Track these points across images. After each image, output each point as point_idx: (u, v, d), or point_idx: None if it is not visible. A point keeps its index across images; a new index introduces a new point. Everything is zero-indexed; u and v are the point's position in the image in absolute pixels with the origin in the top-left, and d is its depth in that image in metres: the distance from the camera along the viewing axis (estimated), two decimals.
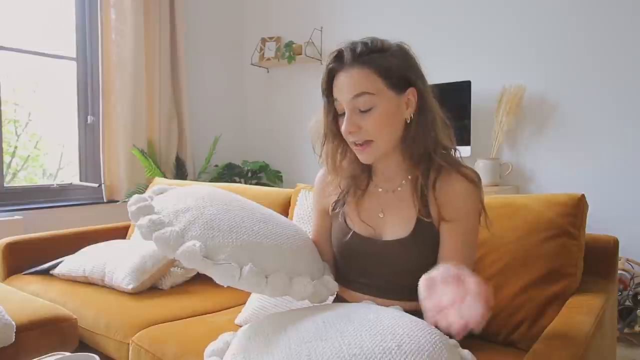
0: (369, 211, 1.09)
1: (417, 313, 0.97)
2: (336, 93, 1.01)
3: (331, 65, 1.01)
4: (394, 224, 1.05)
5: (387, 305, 1.01)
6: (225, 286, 0.94)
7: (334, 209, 1.14)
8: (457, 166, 1.03)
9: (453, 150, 1.06)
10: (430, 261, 1.05)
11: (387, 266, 1.05)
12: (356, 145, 1.01)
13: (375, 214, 1.09)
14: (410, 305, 1.04)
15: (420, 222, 1.03)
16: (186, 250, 0.92)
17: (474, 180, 1.01)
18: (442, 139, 1.03)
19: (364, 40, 1.00)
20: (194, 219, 0.98)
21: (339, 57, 1.00)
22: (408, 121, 1.02)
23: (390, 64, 0.98)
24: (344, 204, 1.12)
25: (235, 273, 0.92)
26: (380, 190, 1.10)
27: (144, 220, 0.97)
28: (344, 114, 1.01)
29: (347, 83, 0.98)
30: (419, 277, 1.04)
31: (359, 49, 0.98)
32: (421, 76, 1.03)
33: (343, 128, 0.99)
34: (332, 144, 1.06)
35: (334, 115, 1.04)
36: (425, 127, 1.01)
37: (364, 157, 1.03)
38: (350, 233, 1.09)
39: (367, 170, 1.11)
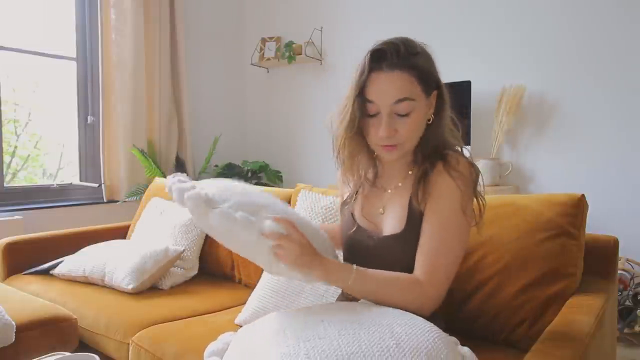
0: (371, 208, 1.12)
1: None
2: (373, 95, 0.98)
3: (372, 65, 0.98)
4: (391, 220, 1.07)
5: None
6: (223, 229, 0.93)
7: (344, 204, 1.18)
8: (449, 159, 1.02)
9: (460, 148, 1.07)
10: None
11: (385, 262, 1.06)
12: (384, 146, 1.01)
13: (376, 211, 1.11)
14: None
15: (412, 216, 1.03)
16: (193, 194, 0.93)
17: (456, 170, 1.00)
18: (449, 137, 1.06)
19: (402, 40, 0.98)
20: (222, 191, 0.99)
21: (380, 57, 0.97)
22: (430, 122, 1.04)
23: (426, 68, 0.98)
24: (354, 200, 1.15)
25: (230, 215, 0.91)
26: (382, 188, 1.13)
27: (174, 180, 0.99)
28: (374, 115, 1.00)
29: (389, 87, 0.96)
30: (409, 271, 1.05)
31: (402, 51, 0.96)
32: (439, 77, 1.04)
33: (381, 132, 0.98)
34: (354, 143, 1.05)
35: (362, 115, 1.01)
36: (440, 127, 1.04)
37: (390, 157, 1.04)
38: (355, 227, 1.11)
39: (375, 168, 1.14)
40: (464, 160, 1.02)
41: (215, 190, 0.97)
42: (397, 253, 1.04)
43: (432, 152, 1.05)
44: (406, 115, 0.97)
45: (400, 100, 0.96)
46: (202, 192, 0.93)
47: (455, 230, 0.99)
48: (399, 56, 0.96)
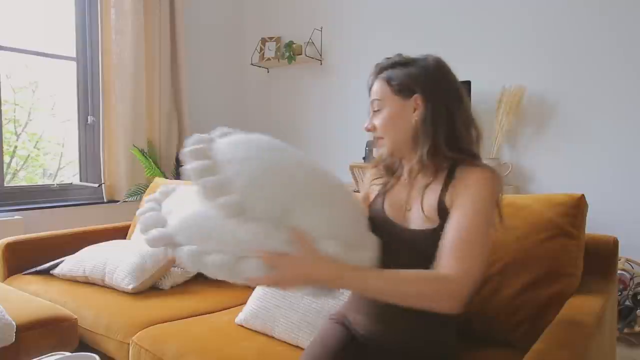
0: (397, 202, 1.15)
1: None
2: None
3: (371, 75, 1.19)
4: (416, 217, 1.09)
5: None
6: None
7: (376, 196, 1.23)
8: (472, 162, 1.06)
9: (471, 156, 1.08)
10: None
11: (416, 255, 1.05)
12: (374, 138, 1.18)
13: (403, 206, 1.14)
14: None
15: (442, 215, 1.04)
16: (152, 238, 0.94)
17: (487, 170, 1.04)
18: (452, 143, 1.06)
19: (391, 56, 1.16)
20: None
21: (375, 67, 1.19)
22: (417, 124, 1.09)
23: (396, 75, 1.12)
24: (385, 192, 1.20)
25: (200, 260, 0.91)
26: (407, 183, 1.16)
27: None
28: None
29: (373, 90, 1.17)
30: (430, 267, 1.04)
31: (382, 64, 1.16)
32: (434, 86, 1.09)
33: (365, 125, 1.18)
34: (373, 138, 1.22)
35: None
36: (427, 132, 1.07)
37: (378, 150, 1.19)
38: (380, 210, 1.16)
39: (401, 164, 1.20)
40: (493, 170, 1.05)
41: (177, 223, 0.92)
42: (427, 248, 1.02)
43: (436, 156, 1.07)
44: (378, 111, 1.14)
45: (372, 101, 1.16)
46: (162, 236, 0.90)
47: (484, 218, 0.97)
48: (378, 68, 1.16)
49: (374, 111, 1.16)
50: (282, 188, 0.91)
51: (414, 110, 1.09)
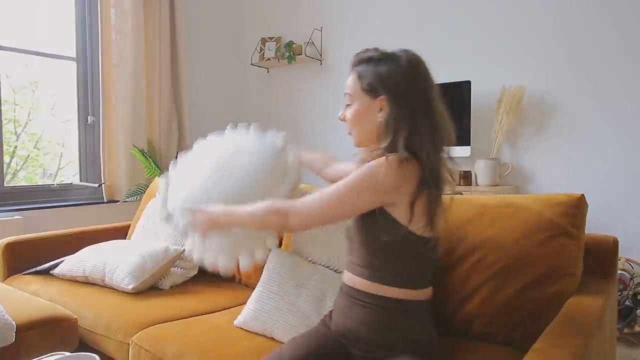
0: None
1: (383, 298, 1.08)
2: None
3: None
4: None
5: (353, 283, 1.15)
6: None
7: None
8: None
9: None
10: (380, 243, 1.11)
11: (353, 242, 1.20)
12: None
13: None
14: (373, 287, 1.11)
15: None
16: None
17: (379, 159, 1.08)
18: (411, 145, 1.08)
19: (370, 49, 1.18)
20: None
21: (353, 59, 1.23)
22: (382, 123, 1.13)
23: (367, 73, 1.15)
24: None
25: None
26: None
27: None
28: None
29: (347, 81, 1.22)
30: (373, 255, 1.13)
31: (360, 57, 1.19)
32: (401, 89, 1.11)
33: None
34: None
35: None
36: (387, 132, 1.11)
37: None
38: None
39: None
40: (397, 156, 1.07)
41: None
42: (374, 229, 1.12)
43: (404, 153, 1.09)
44: (349, 105, 1.20)
45: (345, 94, 1.22)
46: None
47: (345, 188, 1.09)
48: (355, 60, 1.20)
49: (347, 104, 1.21)
50: (186, 200, 1.29)
51: (379, 110, 1.13)
